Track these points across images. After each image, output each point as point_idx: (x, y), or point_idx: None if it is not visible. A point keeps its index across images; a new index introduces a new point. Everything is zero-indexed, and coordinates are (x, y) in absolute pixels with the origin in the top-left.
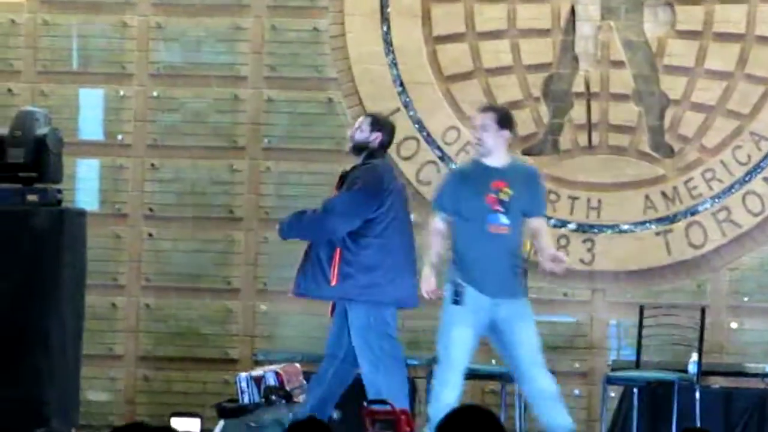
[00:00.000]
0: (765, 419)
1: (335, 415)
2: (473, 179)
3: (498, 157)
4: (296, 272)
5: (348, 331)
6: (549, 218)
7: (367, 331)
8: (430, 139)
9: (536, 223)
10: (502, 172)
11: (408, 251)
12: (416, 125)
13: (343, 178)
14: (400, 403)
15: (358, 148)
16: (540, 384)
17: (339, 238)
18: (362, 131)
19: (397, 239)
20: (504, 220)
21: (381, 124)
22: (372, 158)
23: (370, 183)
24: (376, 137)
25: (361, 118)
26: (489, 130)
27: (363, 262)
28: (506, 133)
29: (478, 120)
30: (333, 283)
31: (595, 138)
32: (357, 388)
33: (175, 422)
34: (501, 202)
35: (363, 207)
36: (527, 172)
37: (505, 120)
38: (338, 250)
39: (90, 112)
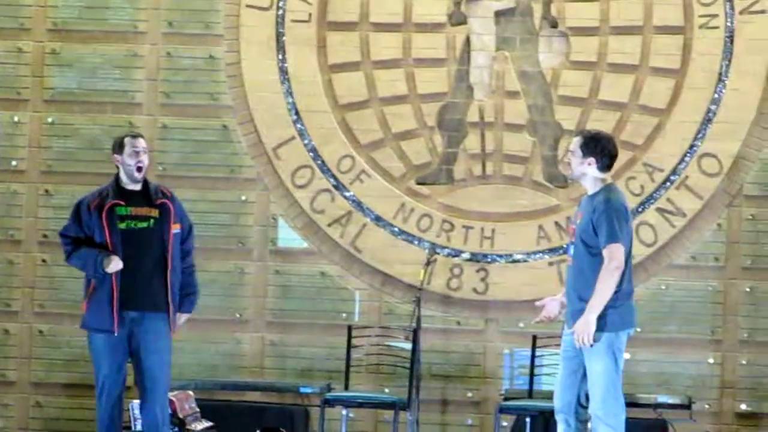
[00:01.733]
0: None
1: None
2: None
3: (586, 185)
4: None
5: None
6: (443, 248)
7: None
8: (324, 168)
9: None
10: (582, 203)
11: None
12: (311, 153)
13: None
14: None
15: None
16: None
17: None
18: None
19: None
20: (571, 251)
21: None
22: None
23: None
24: None
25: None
26: (575, 156)
27: None
28: (591, 159)
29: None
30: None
31: (489, 168)
32: (252, 415)
33: None
34: (574, 233)
35: None
36: (594, 202)
37: (589, 146)
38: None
39: None
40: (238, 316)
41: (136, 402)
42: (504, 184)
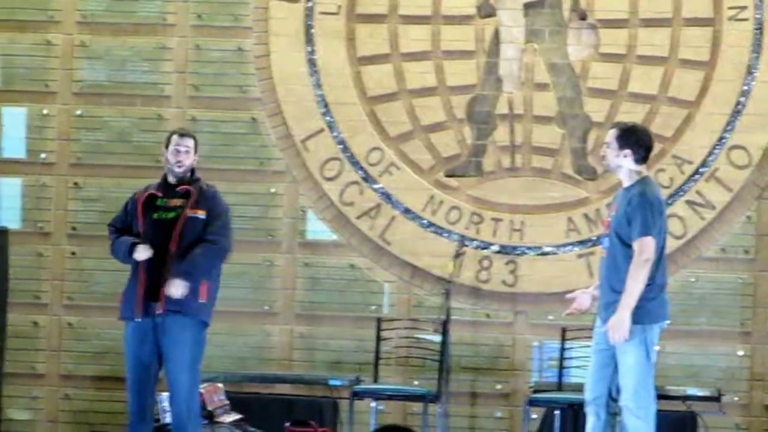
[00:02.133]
0: None
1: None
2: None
3: (622, 177)
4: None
5: None
6: (472, 240)
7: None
8: (353, 160)
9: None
10: (617, 195)
11: None
12: (340, 146)
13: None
14: None
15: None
16: None
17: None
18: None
19: None
20: (606, 243)
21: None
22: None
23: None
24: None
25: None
26: (611, 148)
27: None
28: (627, 152)
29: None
30: (202, 299)
31: (519, 160)
32: (280, 407)
33: None
34: (608, 225)
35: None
36: (630, 195)
37: (624, 138)
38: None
39: (13, 130)
40: (267, 308)
41: (166, 395)
42: (533, 176)
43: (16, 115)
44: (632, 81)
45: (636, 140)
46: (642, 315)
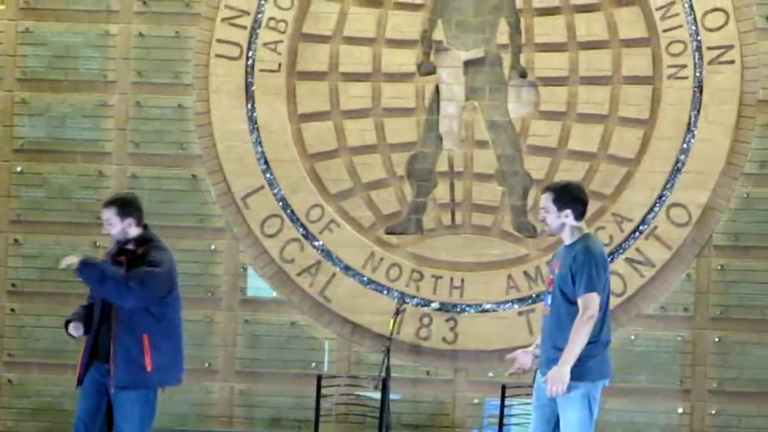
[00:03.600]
0: None
1: None
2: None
3: (564, 236)
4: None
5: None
6: (412, 297)
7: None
8: (294, 217)
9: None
10: (558, 252)
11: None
12: (280, 203)
13: (125, 253)
14: None
15: (123, 238)
16: None
17: (136, 307)
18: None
19: (181, 320)
20: (548, 300)
21: (129, 212)
22: (147, 239)
23: (167, 265)
24: (129, 224)
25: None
26: (549, 212)
27: (164, 347)
28: (567, 211)
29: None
30: (149, 369)
31: (459, 217)
32: None
33: None
34: (551, 283)
35: (161, 287)
36: (573, 251)
37: (562, 199)
38: (146, 336)
39: None
40: (207, 365)
41: None
42: (473, 233)
43: None
44: (572, 138)
45: (572, 197)
46: (585, 372)
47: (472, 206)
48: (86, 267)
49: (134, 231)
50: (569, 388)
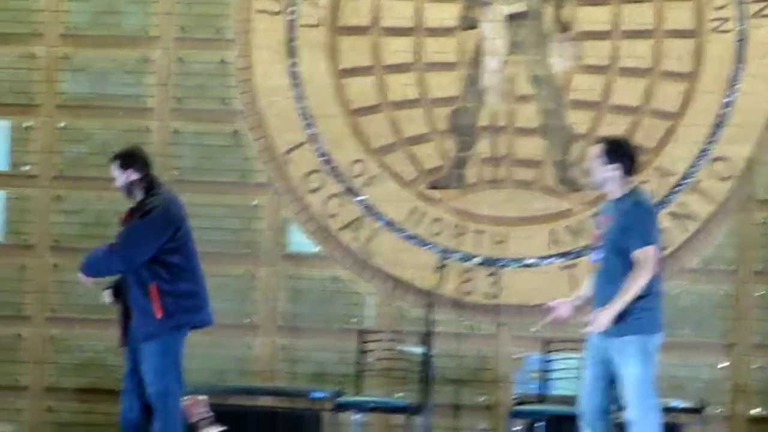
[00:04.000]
0: None
1: None
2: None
3: (611, 190)
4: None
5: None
6: (454, 252)
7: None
8: (336, 172)
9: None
10: (606, 207)
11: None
12: (322, 158)
13: (133, 212)
14: None
15: (128, 191)
16: None
17: (134, 268)
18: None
19: (197, 264)
20: (596, 256)
21: (130, 162)
22: (152, 191)
23: (160, 212)
24: (130, 174)
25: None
26: (597, 163)
27: (175, 291)
28: (616, 165)
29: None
30: (158, 315)
31: (501, 172)
32: (263, 420)
33: None
34: (599, 238)
35: (155, 235)
36: (623, 206)
37: (612, 152)
38: (154, 284)
39: None
40: (249, 320)
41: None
42: (516, 188)
43: None
44: (615, 93)
45: (623, 152)
46: (640, 326)
47: (514, 161)
48: (84, 269)
49: (137, 183)
50: (625, 343)
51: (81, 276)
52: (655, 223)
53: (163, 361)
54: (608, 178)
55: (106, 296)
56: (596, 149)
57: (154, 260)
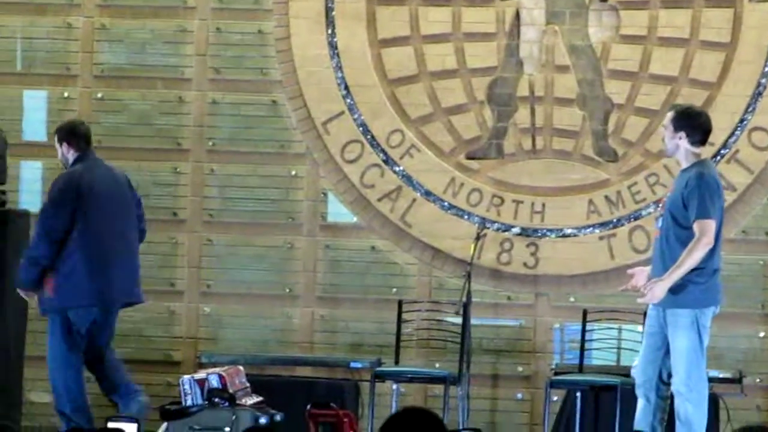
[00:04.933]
0: (710, 421)
1: (278, 416)
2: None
3: (680, 159)
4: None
5: None
6: (493, 222)
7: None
8: (374, 143)
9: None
10: (676, 177)
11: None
12: (361, 128)
13: None
14: None
15: (64, 165)
16: None
17: (45, 255)
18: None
19: (106, 243)
20: (660, 223)
21: (64, 136)
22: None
23: (55, 191)
24: (66, 149)
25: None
26: (668, 130)
27: (69, 269)
28: (682, 134)
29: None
30: (49, 294)
31: (539, 142)
32: (301, 390)
33: (112, 427)
34: (665, 206)
35: (54, 217)
36: (687, 177)
37: (680, 121)
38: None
39: (34, 113)
40: (288, 290)
41: (187, 377)
42: (554, 158)
43: (36, 98)
44: (653, 62)
45: (691, 123)
46: (693, 299)
47: (552, 131)
48: (19, 284)
49: (71, 156)
50: (678, 316)
51: (22, 293)
52: (716, 198)
53: (50, 341)
54: (676, 146)
55: None
56: (667, 117)
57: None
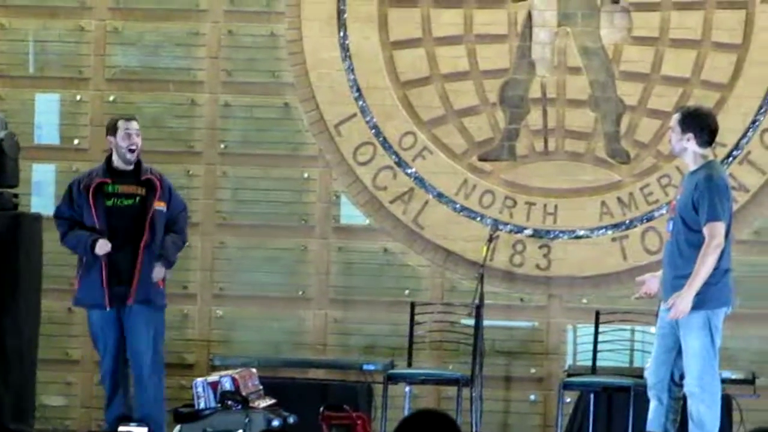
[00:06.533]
0: (723, 422)
1: (291, 419)
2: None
3: (687, 161)
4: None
5: None
6: (505, 224)
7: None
8: (386, 145)
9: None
10: (684, 179)
11: None
12: (373, 130)
13: None
14: None
15: None
16: None
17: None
18: None
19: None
20: (670, 226)
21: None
22: None
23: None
24: None
25: None
26: (674, 132)
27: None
28: (689, 135)
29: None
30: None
31: (552, 144)
32: (314, 392)
33: (123, 431)
34: (674, 209)
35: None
36: (695, 179)
37: (687, 122)
38: None
39: (46, 116)
40: (300, 293)
41: (200, 380)
42: (566, 160)
43: (49, 102)
44: (665, 64)
45: (698, 124)
46: (706, 300)
47: (565, 132)
48: (165, 260)
49: None
50: (690, 317)
51: (161, 272)
52: (725, 199)
53: (158, 336)
54: (683, 148)
55: (104, 246)
56: (674, 118)
57: None
